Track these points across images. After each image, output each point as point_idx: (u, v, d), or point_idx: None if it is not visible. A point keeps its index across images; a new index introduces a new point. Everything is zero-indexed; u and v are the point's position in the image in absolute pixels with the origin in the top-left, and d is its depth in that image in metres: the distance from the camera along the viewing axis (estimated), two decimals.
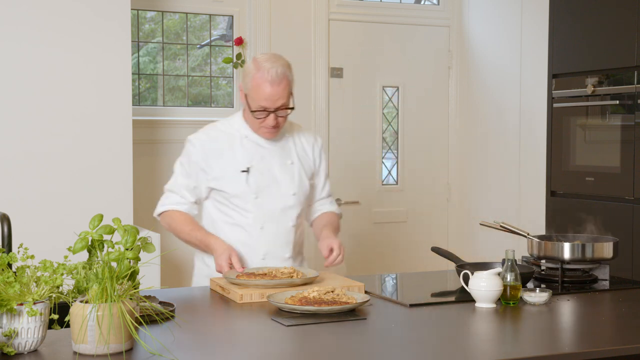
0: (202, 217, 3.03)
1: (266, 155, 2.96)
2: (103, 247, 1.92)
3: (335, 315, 2.26)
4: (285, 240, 2.96)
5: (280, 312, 2.32)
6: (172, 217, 2.96)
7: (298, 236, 3.03)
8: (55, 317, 1.95)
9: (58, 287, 1.94)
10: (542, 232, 4.06)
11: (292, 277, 2.61)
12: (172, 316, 2.17)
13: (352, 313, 2.31)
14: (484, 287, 2.41)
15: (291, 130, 3.05)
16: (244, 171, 2.92)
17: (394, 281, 3.08)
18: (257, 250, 2.92)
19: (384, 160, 5.34)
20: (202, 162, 2.93)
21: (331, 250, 2.83)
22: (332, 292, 2.37)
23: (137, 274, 1.96)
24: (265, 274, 2.65)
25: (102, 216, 1.96)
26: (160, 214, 3.00)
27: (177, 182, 2.97)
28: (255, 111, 2.86)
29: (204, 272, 3.00)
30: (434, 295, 2.73)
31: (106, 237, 1.92)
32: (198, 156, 2.94)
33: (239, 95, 2.99)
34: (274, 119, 2.86)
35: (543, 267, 2.91)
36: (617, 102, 3.89)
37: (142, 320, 1.91)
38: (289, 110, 2.89)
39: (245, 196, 2.92)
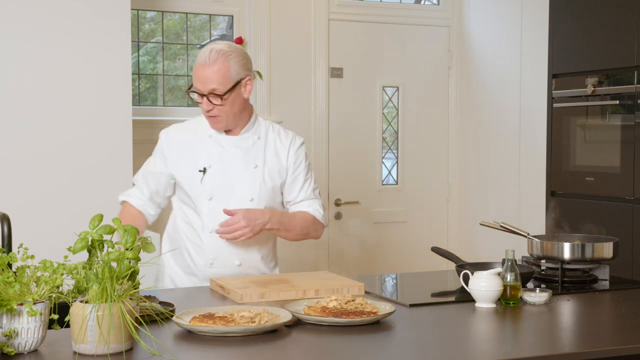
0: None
1: (227, 157, 2.87)
2: (103, 247, 1.92)
3: None
4: (236, 247, 2.86)
5: None
6: (122, 210, 2.96)
7: (261, 243, 2.91)
8: (55, 317, 1.95)
9: (58, 287, 1.94)
10: (542, 232, 4.06)
11: (253, 322, 2.09)
12: (172, 316, 2.17)
13: None
14: (484, 287, 2.41)
15: (266, 132, 2.94)
16: (200, 171, 2.85)
17: (394, 281, 3.08)
18: (206, 254, 2.87)
19: (384, 160, 5.34)
20: (168, 155, 2.90)
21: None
22: (352, 300, 2.29)
23: (137, 274, 1.96)
24: (225, 317, 2.12)
25: (102, 216, 1.96)
26: (121, 202, 3.00)
27: (140, 174, 2.97)
28: (189, 91, 2.82)
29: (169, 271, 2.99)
30: (434, 295, 2.73)
31: (106, 237, 1.92)
32: (165, 149, 2.92)
33: None
34: (207, 103, 2.78)
35: (543, 267, 2.91)
36: (617, 102, 3.89)
37: (142, 320, 1.91)
38: (221, 100, 2.77)
39: (199, 197, 2.85)
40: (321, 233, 3.04)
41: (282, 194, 2.98)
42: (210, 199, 2.85)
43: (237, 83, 2.80)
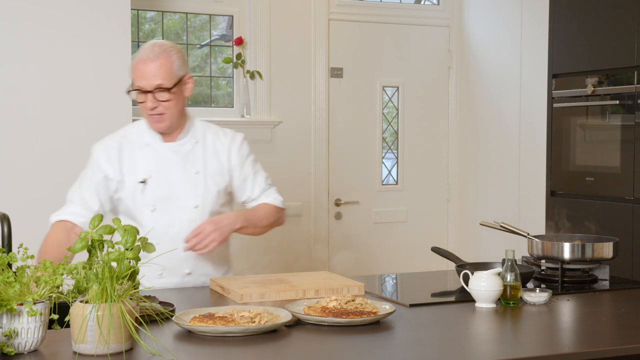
0: None
1: (167, 165, 2.78)
2: (103, 247, 1.92)
3: None
4: (184, 256, 2.76)
5: None
6: (51, 230, 2.76)
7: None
8: (55, 317, 1.95)
9: (58, 287, 1.94)
10: (542, 232, 4.06)
11: (253, 322, 2.10)
12: (172, 316, 2.17)
13: None
14: (484, 287, 2.41)
15: (204, 134, 2.86)
16: (141, 182, 2.76)
17: (394, 281, 3.08)
18: (153, 266, 2.71)
19: (384, 160, 5.34)
20: (105, 170, 2.77)
21: (197, 235, 2.66)
22: (352, 300, 2.28)
23: (137, 274, 1.96)
24: (225, 317, 2.14)
25: (102, 216, 1.96)
26: (53, 223, 2.79)
27: (78, 191, 2.79)
28: (132, 91, 2.71)
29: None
30: (434, 295, 2.73)
31: (106, 237, 1.92)
32: (100, 165, 2.78)
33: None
34: (152, 100, 2.67)
35: (543, 267, 2.91)
36: (617, 102, 3.90)
37: (142, 320, 1.91)
38: (169, 93, 2.69)
39: (141, 209, 2.76)
40: (285, 219, 2.99)
41: (227, 194, 2.89)
42: (153, 210, 2.77)
43: (180, 79, 2.74)
